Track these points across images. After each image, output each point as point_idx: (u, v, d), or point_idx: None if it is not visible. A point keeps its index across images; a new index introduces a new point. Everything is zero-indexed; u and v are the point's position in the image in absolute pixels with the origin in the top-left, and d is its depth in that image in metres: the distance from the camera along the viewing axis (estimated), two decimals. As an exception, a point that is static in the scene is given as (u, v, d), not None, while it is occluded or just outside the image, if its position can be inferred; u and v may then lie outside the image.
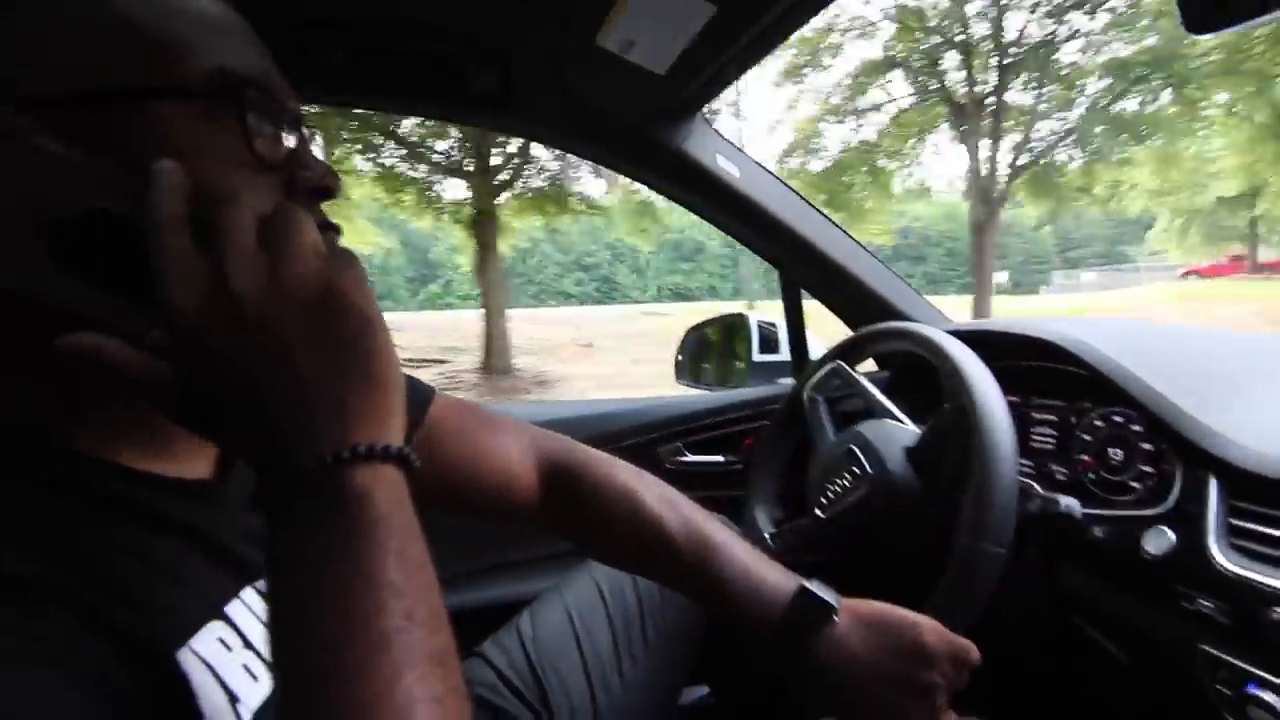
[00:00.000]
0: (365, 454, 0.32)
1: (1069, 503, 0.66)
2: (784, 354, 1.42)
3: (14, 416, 0.37)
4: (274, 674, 0.31)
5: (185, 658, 0.35)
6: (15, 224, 0.33)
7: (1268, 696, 0.53)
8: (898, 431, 0.80)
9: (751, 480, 0.95)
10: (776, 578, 0.61)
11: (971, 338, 0.71)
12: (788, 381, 1.28)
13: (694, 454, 1.33)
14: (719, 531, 0.65)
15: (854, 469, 0.78)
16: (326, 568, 0.31)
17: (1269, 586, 0.54)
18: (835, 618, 0.57)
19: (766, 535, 0.88)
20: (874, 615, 0.59)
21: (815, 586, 0.58)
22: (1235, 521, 0.60)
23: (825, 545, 0.79)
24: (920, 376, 1.00)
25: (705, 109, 1.06)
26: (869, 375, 1.24)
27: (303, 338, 0.32)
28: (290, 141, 0.42)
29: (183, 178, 0.34)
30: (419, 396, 0.70)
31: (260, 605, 0.42)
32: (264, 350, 0.32)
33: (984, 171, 12.11)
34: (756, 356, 1.59)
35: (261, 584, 0.43)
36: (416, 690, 0.29)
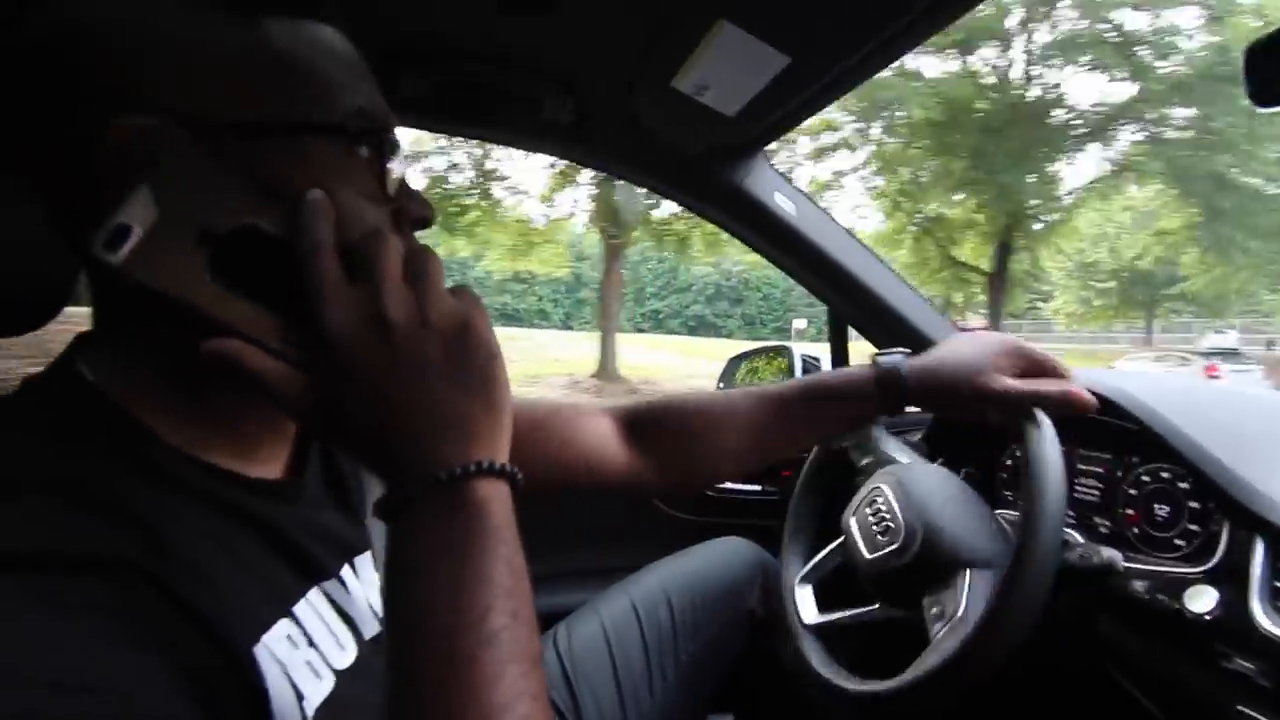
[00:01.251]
0: (486, 470, 0.36)
1: (1111, 554, 0.67)
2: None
3: (129, 406, 0.39)
4: (389, 662, 0.34)
5: (261, 653, 0.37)
6: (178, 234, 0.35)
7: (1307, 763, 0.53)
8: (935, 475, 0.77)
9: (789, 520, 0.96)
10: (851, 369, 0.78)
11: None
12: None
13: (732, 482, 1.35)
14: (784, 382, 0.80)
15: (888, 517, 0.75)
16: (448, 566, 0.34)
17: None
18: (907, 352, 0.76)
19: (799, 581, 0.89)
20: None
21: (881, 353, 0.75)
22: None
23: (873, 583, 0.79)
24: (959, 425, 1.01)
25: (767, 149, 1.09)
26: (912, 416, 1.25)
27: (440, 365, 0.36)
28: (399, 175, 0.45)
29: (330, 208, 0.37)
30: None
31: (326, 607, 0.45)
32: (407, 373, 0.36)
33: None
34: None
35: (329, 584, 0.46)
36: (520, 685, 0.32)
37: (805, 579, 0.88)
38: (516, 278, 45.35)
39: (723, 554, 1.00)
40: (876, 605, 0.76)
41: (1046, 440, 0.64)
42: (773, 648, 0.92)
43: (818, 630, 0.82)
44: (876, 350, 0.78)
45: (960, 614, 0.63)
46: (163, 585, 0.33)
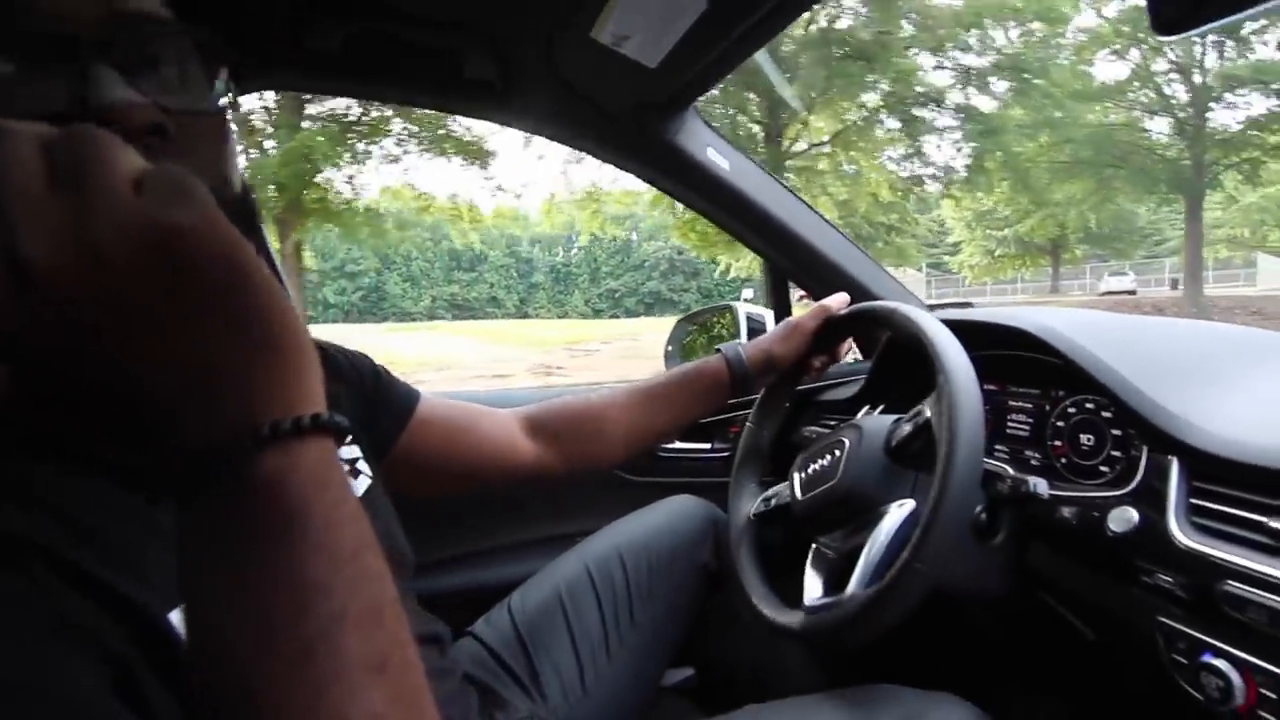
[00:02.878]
0: (270, 434, 0.27)
1: (1036, 482, 0.69)
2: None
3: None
4: (194, 684, 0.27)
5: (177, 619, 0.35)
6: None
7: (1220, 664, 0.57)
8: (881, 428, 0.79)
9: (736, 465, 0.97)
10: (707, 359, 0.93)
11: (953, 325, 0.73)
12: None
13: (681, 440, 1.35)
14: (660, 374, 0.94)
15: (831, 459, 0.78)
16: (234, 570, 0.26)
17: (1224, 560, 0.57)
18: (744, 343, 0.94)
19: (750, 515, 0.91)
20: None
21: (724, 349, 0.92)
22: (1195, 501, 0.63)
23: (800, 523, 0.81)
24: (903, 365, 1.03)
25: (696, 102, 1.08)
26: (851, 367, 1.27)
27: (149, 304, 0.25)
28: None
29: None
30: (405, 401, 0.78)
31: None
32: (96, 329, 0.25)
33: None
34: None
35: None
36: (349, 705, 0.25)
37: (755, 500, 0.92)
38: (460, 265, 44.48)
39: (674, 512, 1.01)
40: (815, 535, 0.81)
41: (959, 360, 0.68)
42: (728, 600, 0.93)
43: (756, 522, 0.90)
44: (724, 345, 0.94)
45: (884, 541, 0.68)
46: (70, 564, 0.31)
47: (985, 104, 14.30)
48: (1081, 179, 15.87)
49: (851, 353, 1.23)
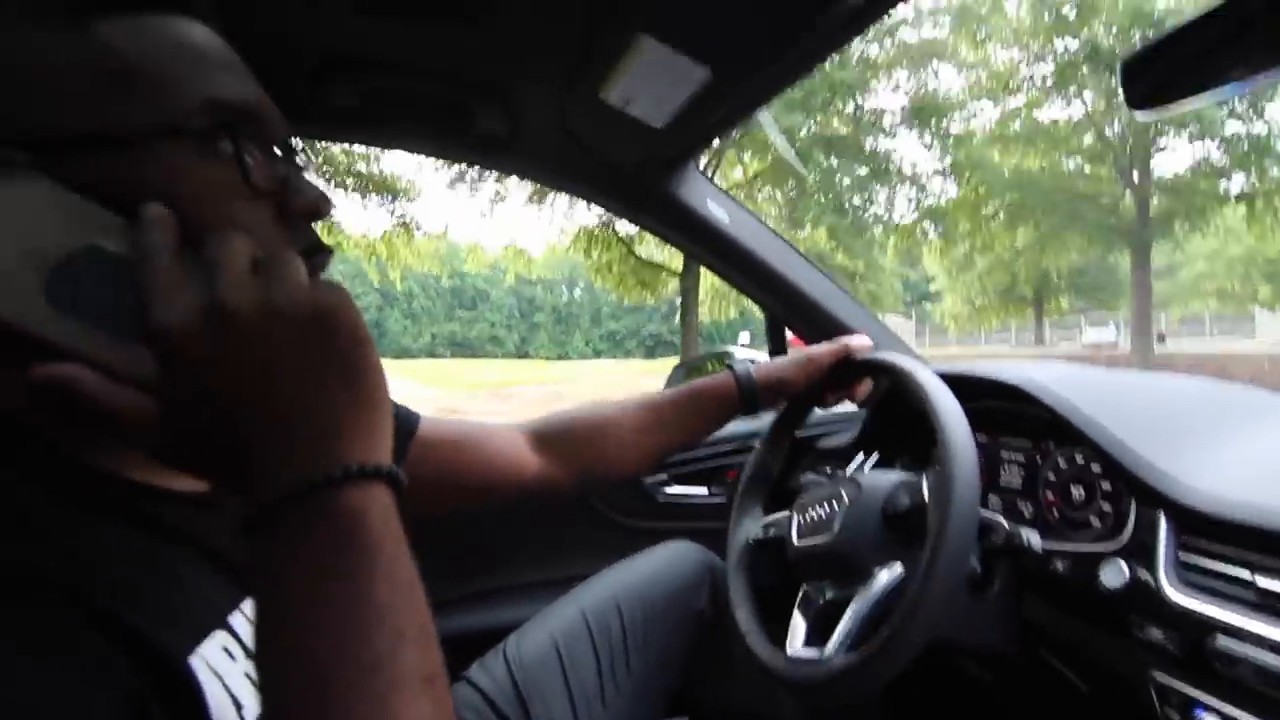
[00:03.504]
0: (358, 474, 0.32)
1: (1029, 535, 0.70)
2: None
3: (27, 428, 0.37)
4: (262, 695, 0.31)
5: (196, 664, 0.36)
6: (11, 258, 0.33)
7: (1212, 720, 0.57)
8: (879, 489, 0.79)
9: (741, 488, 0.98)
10: (714, 376, 0.92)
11: (949, 379, 0.75)
12: (769, 416, 1.33)
13: (679, 486, 1.36)
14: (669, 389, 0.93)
15: (828, 511, 0.78)
16: (317, 589, 0.30)
17: (1213, 618, 0.58)
18: (755, 360, 0.96)
19: (750, 541, 0.91)
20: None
21: (733, 363, 0.93)
22: (1184, 556, 0.64)
23: (792, 566, 0.82)
24: (901, 417, 1.04)
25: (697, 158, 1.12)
26: (846, 414, 1.28)
27: (294, 354, 0.32)
28: (282, 168, 0.43)
29: (171, 220, 0.34)
30: (405, 424, 0.78)
31: None
32: (257, 364, 0.32)
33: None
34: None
35: None
36: (407, 712, 0.29)
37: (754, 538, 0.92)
38: (461, 304, 44.55)
39: (670, 558, 1.01)
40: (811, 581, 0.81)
41: (955, 415, 0.69)
42: (724, 648, 0.93)
43: (754, 549, 0.90)
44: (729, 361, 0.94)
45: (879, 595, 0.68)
46: (88, 607, 0.32)
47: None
48: (1023, 226, 15.80)
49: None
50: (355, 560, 0.31)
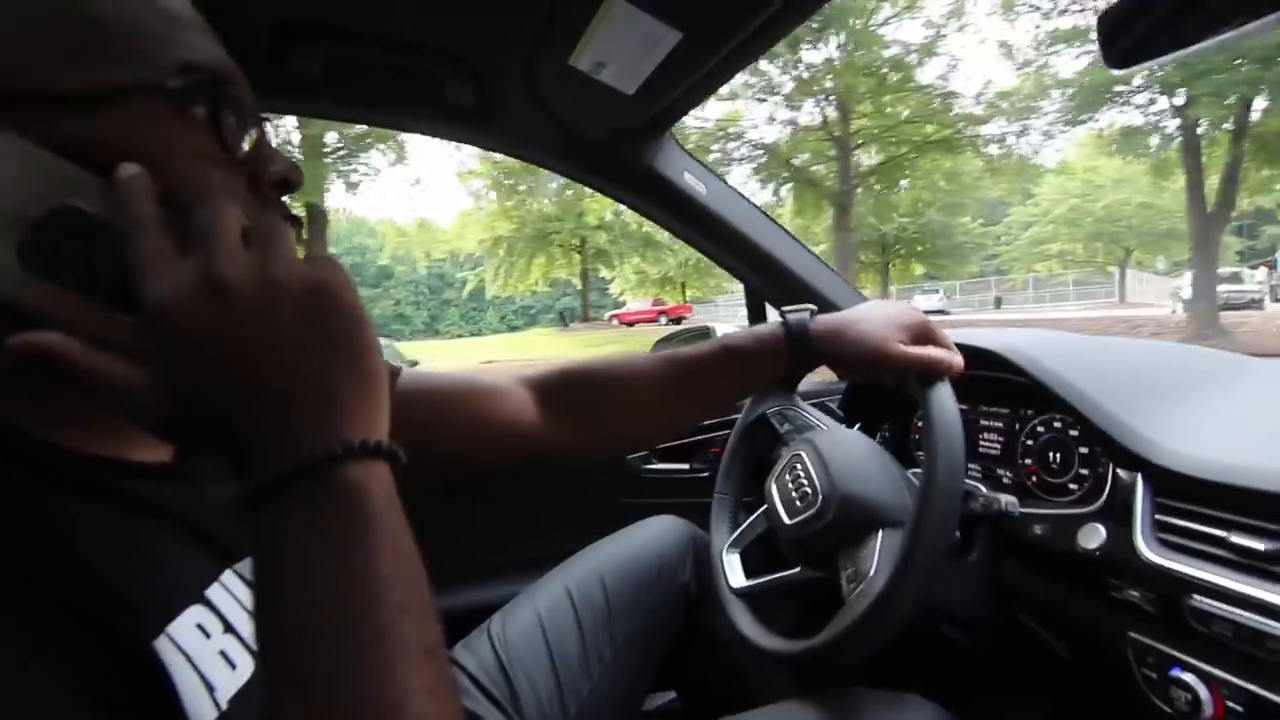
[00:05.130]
0: (358, 450, 0.32)
1: (1008, 501, 0.70)
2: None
3: None
4: (265, 669, 0.31)
5: (163, 647, 0.35)
6: None
7: (1188, 678, 0.58)
8: (854, 440, 0.80)
9: (717, 488, 0.98)
10: (759, 328, 0.76)
11: None
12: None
13: (661, 462, 1.36)
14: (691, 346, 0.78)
15: (805, 483, 0.77)
16: (320, 563, 0.30)
17: (1190, 576, 0.59)
18: (814, 309, 0.75)
19: (726, 549, 0.91)
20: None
21: (789, 311, 0.75)
22: (1161, 518, 0.64)
23: (793, 551, 0.81)
24: (878, 384, 1.04)
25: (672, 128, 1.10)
26: (827, 384, 1.28)
27: (293, 330, 0.32)
28: (253, 135, 0.42)
29: (148, 180, 0.33)
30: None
31: (241, 588, 0.42)
32: (253, 341, 0.31)
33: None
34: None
35: (242, 566, 0.43)
36: (411, 682, 0.29)
37: (732, 546, 0.89)
38: (362, 280, 43.91)
39: (654, 533, 1.01)
40: (798, 568, 0.79)
41: (944, 400, 0.66)
42: (709, 621, 0.93)
43: (745, 594, 0.84)
44: (783, 308, 0.78)
45: (871, 573, 0.66)
46: (49, 591, 0.31)
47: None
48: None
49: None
50: (358, 535, 0.31)
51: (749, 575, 0.86)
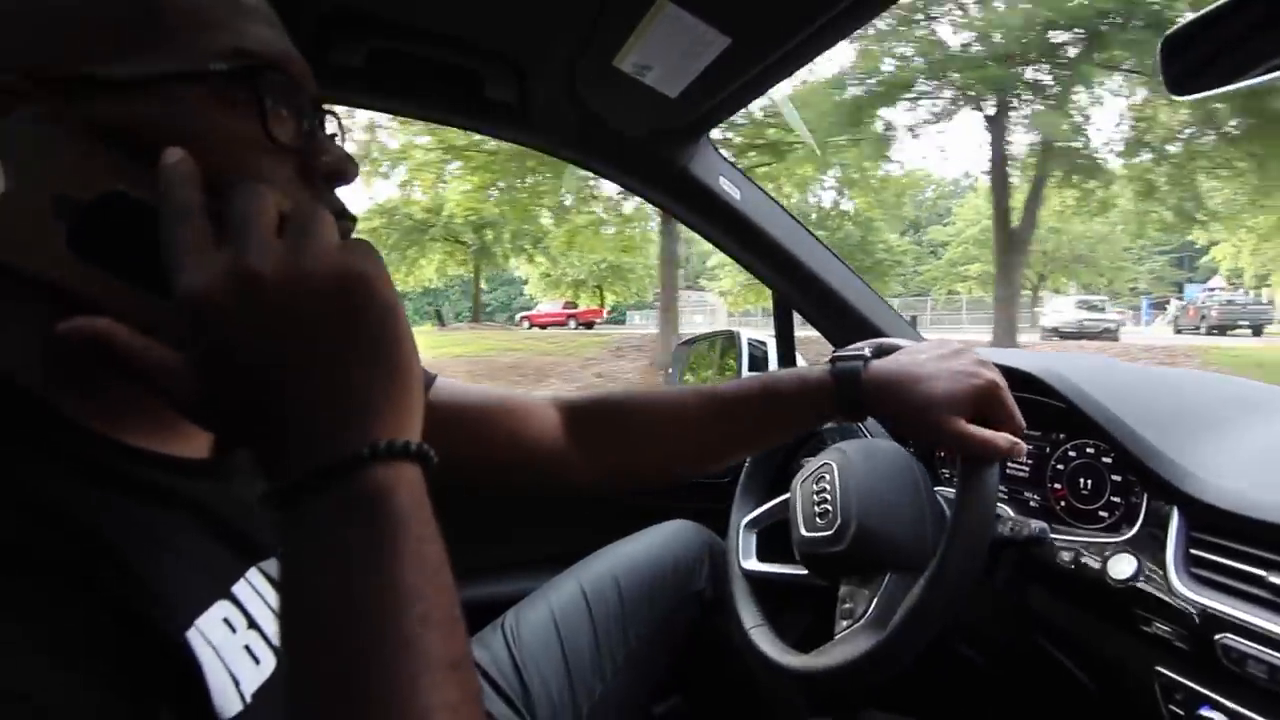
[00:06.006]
0: (387, 451, 0.31)
1: (1038, 525, 0.69)
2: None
3: (26, 390, 0.36)
4: (287, 674, 0.30)
5: (193, 638, 0.35)
6: (33, 204, 0.32)
7: (1217, 718, 0.57)
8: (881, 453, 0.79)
9: (748, 464, 0.98)
10: (807, 369, 0.71)
11: None
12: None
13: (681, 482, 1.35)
14: (732, 381, 0.75)
15: (828, 500, 0.76)
16: (342, 570, 0.30)
17: (1224, 614, 0.57)
18: (867, 356, 0.68)
19: (745, 525, 0.91)
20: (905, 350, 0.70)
21: (840, 354, 0.69)
22: (1194, 551, 0.63)
23: (806, 564, 0.81)
24: None
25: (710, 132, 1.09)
26: None
27: (324, 323, 0.31)
28: (306, 125, 0.42)
29: (192, 165, 0.33)
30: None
31: (265, 586, 0.42)
32: (283, 334, 0.31)
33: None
34: (745, 373, 1.63)
35: (267, 564, 0.43)
36: (431, 697, 0.28)
37: (751, 525, 0.90)
38: None
39: (671, 536, 1.01)
40: (806, 572, 0.79)
41: (988, 489, 0.62)
42: (722, 628, 0.93)
43: (751, 577, 0.84)
44: (832, 349, 0.74)
45: (866, 617, 0.66)
46: (85, 579, 0.31)
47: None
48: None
49: None
50: (382, 542, 0.30)
51: (761, 559, 0.87)
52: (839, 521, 0.73)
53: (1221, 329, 17.41)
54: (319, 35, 0.86)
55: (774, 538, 0.89)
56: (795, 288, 1.21)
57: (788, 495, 0.86)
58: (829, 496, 0.76)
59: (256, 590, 0.42)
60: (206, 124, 0.37)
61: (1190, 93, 0.56)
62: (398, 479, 0.31)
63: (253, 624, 0.40)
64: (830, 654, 0.66)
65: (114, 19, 0.36)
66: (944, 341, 0.70)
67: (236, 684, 0.37)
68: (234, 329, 0.30)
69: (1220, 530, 0.62)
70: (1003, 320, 11.68)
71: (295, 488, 0.31)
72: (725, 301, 23.35)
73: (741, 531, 0.90)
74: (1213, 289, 21.84)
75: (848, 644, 0.65)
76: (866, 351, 0.68)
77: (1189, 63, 0.56)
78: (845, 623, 0.69)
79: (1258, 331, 17.31)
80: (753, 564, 0.86)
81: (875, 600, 0.67)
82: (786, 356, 1.38)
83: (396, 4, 0.84)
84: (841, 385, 0.67)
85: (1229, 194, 11.99)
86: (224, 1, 0.39)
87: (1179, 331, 18.94)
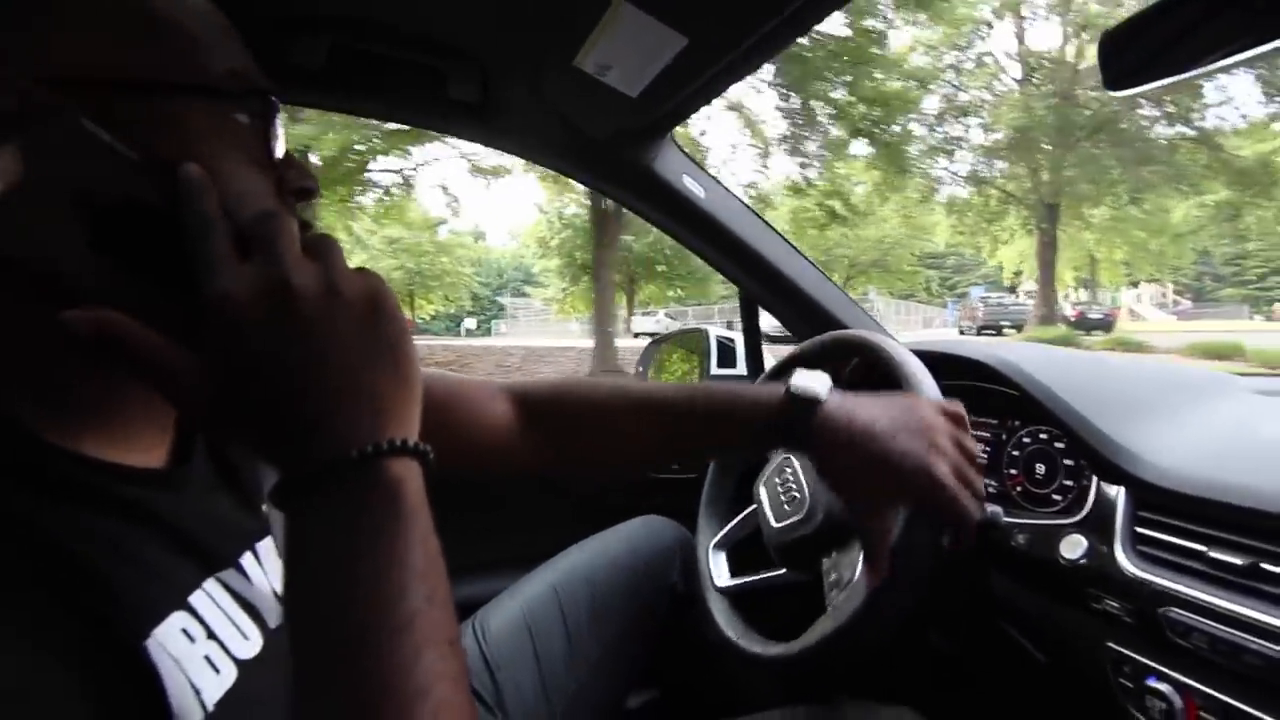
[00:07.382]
0: (399, 447, 0.35)
1: (993, 510, 0.72)
2: (741, 368, 1.47)
3: None
4: (295, 651, 0.32)
5: (152, 648, 0.35)
6: (52, 201, 0.33)
7: (1164, 688, 0.59)
8: None
9: (706, 488, 0.98)
10: (762, 390, 0.66)
11: (919, 355, 0.76)
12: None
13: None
14: (685, 386, 0.75)
15: (794, 487, 0.78)
16: (360, 551, 0.32)
17: (1168, 589, 0.60)
18: (823, 396, 0.62)
19: (713, 546, 0.91)
20: (865, 394, 0.65)
21: (799, 377, 0.63)
22: (1141, 530, 0.66)
23: (779, 554, 0.82)
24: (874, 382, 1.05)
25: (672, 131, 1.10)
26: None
27: (351, 335, 0.35)
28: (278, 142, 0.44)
29: (207, 180, 0.35)
30: None
31: (225, 597, 0.43)
32: (319, 344, 0.34)
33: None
34: (714, 370, 1.65)
35: (226, 574, 0.44)
36: (437, 667, 0.31)
37: (719, 545, 0.90)
38: None
39: (642, 533, 1.01)
40: (783, 570, 0.80)
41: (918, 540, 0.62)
42: (695, 622, 0.94)
43: (728, 594, 0.85)
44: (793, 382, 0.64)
45: (854, 580, 0.66)
46: (48, 590, 0.31)
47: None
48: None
49: None
50: (398, 525, 0.33)
51: (734, 574, 0.87)
52: (809, 503, 0.75)
53: (992, 328, 20.65)
54: (278, 35, 0.85)
55: (744, 550, 0.90)
56: (760, 284, 1.23)
57: (753, 506, 0.86)
58: (794, 483, 0.78)
59: (215, 601, 0.42)
60: (215, 140, 0.38)
61: (1129, 89, 0.58)
62: (406, 472, 0.35)
63: (211, 635, 0.40)
64: (823, 625, 0.67)
65: (130, 28, 0.37)
66: (912, 405, 0.64)
67: (198, 693, 0.37)
68: (266, 335, 0.33)
69: (1164, 509, 0.64)
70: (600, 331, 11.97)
71: (315, 478, 0.33)
72: (554, 308, 23.14)
73: (711, 553, 0.90)
74: (989, 295, 25.11)
75: (839, 611, 0.65)
76: (822, 393, 0.62)
77: (1127, 61, 0.58)
78: (835, 592, 0.69)
79: (1019, 328, 19.75)
80: (727, 580, 0.86)
81: (860, 565, 0.67)
82: (753, 352, 1.40)
83: (358, 1, 0.83)
84: (792, 416, 0.62)
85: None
86: (214, 25, 0.41)
87: (962, 332, 21.50)
